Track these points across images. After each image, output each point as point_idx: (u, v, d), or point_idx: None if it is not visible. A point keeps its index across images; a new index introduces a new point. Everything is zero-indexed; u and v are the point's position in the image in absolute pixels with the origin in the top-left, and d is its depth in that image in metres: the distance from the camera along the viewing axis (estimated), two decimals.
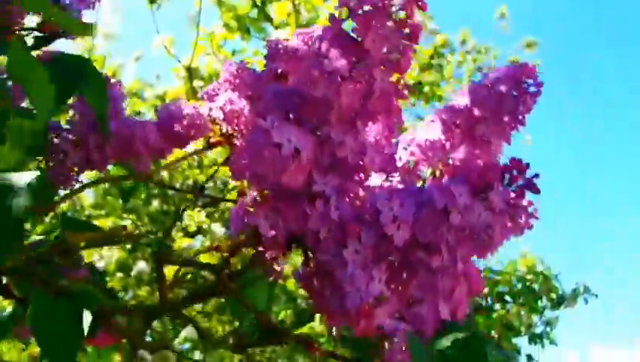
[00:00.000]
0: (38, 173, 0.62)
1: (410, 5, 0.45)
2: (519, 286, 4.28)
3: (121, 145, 0.80)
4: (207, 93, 0.85)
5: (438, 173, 0.61)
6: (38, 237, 0.85)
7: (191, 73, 2.62)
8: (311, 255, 0.48)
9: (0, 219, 0.58)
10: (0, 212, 0.58)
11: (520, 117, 0.56)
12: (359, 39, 0.44)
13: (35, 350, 2.88)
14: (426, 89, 3.31)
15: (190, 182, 3.07)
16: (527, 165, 0.45)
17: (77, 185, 0.86)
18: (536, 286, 4.28)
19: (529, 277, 4.28)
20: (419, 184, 0.61)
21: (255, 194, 0.46)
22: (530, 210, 0.46)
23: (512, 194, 0.44)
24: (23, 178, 0.63)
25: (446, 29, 3.93)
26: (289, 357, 2.76)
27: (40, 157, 0.81)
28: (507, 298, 4.25)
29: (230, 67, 0.81)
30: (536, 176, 0.45)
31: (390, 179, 0.60)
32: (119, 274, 2.83)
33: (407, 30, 0.46)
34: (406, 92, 0.53)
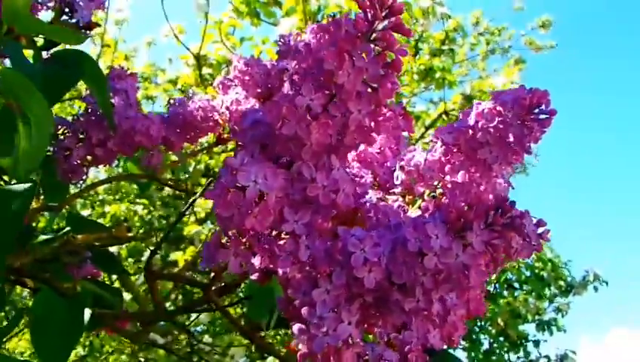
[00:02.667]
0: (31, 184, 0.64)
1: (388, 33, 0.42)
2: (527, 273, 4.27)
3: (123, 139, 0.79)
4: (222, 83, 0.84)
5: (437, 193, 0.59)
6: (45, 237, 0.88)
7: (199, 61, 2.62)
8: None
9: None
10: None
11: (526, 145, 0.53)
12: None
13: None
14: (438, 75, 3.25)
15: (201, 166, 3.10)
16: (513, 204, 0.43)
17: (87, 182, 0.87)
18: (544, 274, 4.26)
19: (538, 264, 4.26)
20: (416, 204, 0.59)
21: (225, 230, 0.44)
22: (540, 231, 0.44)
23: (494, 235, 0.42)
24: (22, 186, 0.65)
25: (458, 11, 3.85)
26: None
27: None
28: (515, 285, 4.25)
29: (239, 62, 0.81)
30: (522, 215, 0.43)
31: (387, 196, 0.58)
32: (130, 260, 2.88)
33: (388, 59, 0.43)
34: (404, 116, 0.50)
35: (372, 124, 0.44)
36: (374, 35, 0.42)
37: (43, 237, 0.78)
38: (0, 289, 0.66)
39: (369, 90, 0.43)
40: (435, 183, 0.58)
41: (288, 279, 0.43)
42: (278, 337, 2.97)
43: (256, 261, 0.44)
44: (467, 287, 0.41)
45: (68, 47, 0.76)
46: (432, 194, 0.60)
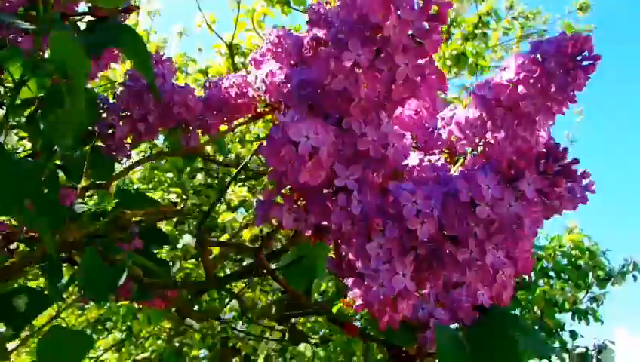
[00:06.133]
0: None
1: None
2: (564, 261, 4.17)
3: (163, 112, 0.82)
4: (254, 59, 0.85)
5: (479, 150, 0.58)
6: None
7: (232, 50, 2.64)
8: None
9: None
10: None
11: (571, 94, 0.51)
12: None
13: (92, 315, 3.08)
14: (470, 60, 3.19)
15: (233, 156, 3.13)
16: (565, 150, 0.42)
17: (130, 160, 0.90)
18: (582, 263, 4.15)
19: (574, 253, 4.15)
20: (458, 163, 0.59)
21: (279, 187, 0.45)
22: (585, 182, 0.43)
23: (547, 183, 0.41)
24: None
25: None
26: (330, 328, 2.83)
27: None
28: (551, 273, 4.16)
29: (272, 35, 0.82)
30: (575, 161, 0.42)
31: (429, 157, 0.57)
32: (166, 247, 2.94)
33: (432, 9, 0.42)
34: (437, 74, 0.48)
35: (418, 78, 0.44)
36: None
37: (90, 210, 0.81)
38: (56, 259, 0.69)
39: (414, 43, 0.43)
40: (477, 140, 0.57)
41: (342, 234, 0.43)
42: (309, 324, 2.99)
43: (309, 217, 0.45)
44: (521, 237, 0.41)
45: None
46: (474, 152, 0.59)
